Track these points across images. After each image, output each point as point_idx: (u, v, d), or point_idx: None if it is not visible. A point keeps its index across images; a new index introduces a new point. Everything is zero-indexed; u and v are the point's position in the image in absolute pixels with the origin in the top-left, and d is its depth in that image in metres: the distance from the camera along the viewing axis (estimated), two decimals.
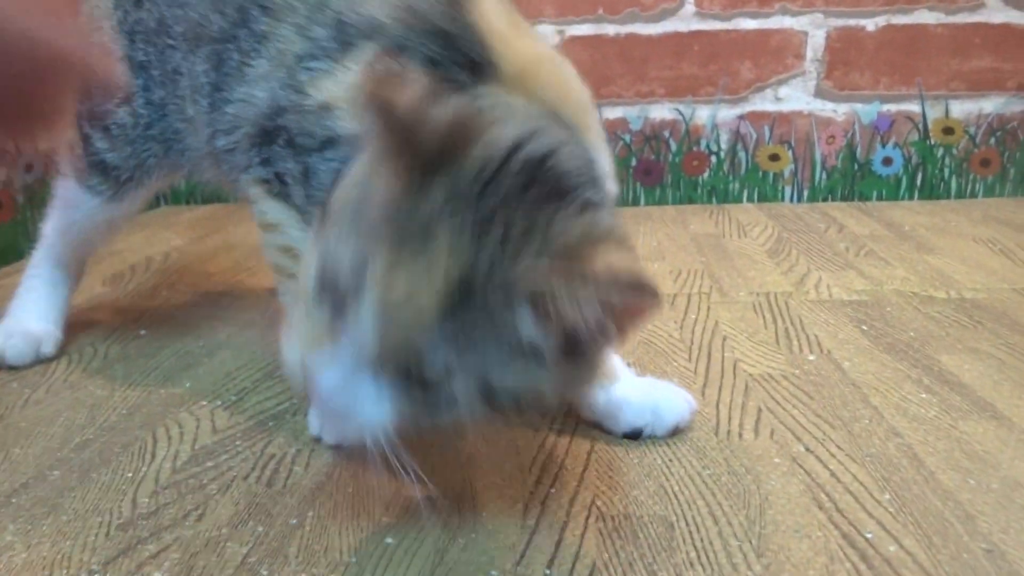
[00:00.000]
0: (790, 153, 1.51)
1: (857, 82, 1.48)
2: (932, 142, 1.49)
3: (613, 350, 0.60)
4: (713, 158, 1.52)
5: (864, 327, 0.86)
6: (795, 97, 1.49)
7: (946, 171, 1.50)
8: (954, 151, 1.49)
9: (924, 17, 1.44)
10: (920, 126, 1.49)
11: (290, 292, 0.61)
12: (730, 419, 0.66)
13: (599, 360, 0.48)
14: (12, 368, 0.81)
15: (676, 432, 0.64)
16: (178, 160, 0.79)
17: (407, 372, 0.44)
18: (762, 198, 1.53)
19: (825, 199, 1.53)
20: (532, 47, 0.58)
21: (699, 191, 1.54)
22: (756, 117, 1.50)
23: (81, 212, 0.83)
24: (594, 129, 0.57)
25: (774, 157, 1.52)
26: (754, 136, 1.51)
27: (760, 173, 1.52)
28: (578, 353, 0.44)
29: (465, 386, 0.44)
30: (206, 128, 0.72)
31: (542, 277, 0.42)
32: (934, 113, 1.48)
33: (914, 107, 1.48)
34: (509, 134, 0.45)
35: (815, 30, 1.46)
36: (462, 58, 0.55)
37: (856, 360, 0.77)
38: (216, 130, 0.70)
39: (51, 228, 0.87)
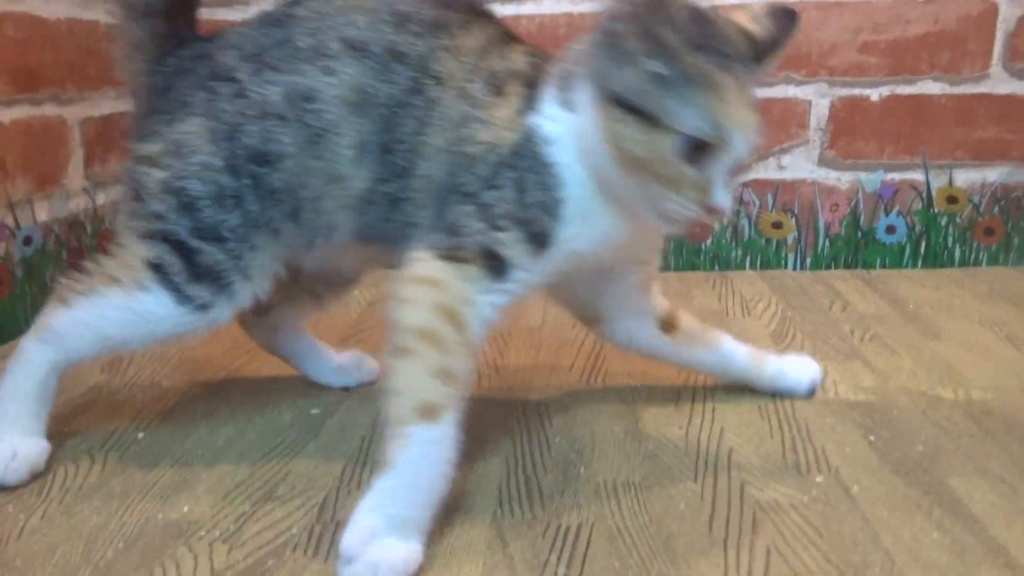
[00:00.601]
0: (793, 221, 1.51)
1: (861, 151, 1.47)
2: (936, 211, 1.49)
3: None
4: (716, 225, 1.51)
5: (872, 437, 0.85)
6: (799, 165, 1.49)
7: (950, 239, 1.50)
8: (958, 220, 1.49)
9: (928, 87, 1.44)
10: (924, 195, 1.48)
11: (428, 360, 0.67)
12: (738, 564, 0.65)
13: None
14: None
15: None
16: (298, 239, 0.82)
17: None
18: (765, 265, 1.53)
19: (828, 267, 1.52)
20: None
21: (702, 258, 1.53)
22: (759, 185, 1.50)
23: (156, 326, 0.80)
24: None
25: (777, 225, 1.51)
26: (757, 203, 1.50)
27: (763, 241, 1.52)
28: None
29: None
30: (361, 201, 0.78)
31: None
32: (938, 182, 1.48)
33: (918, 176, 1.48)
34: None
35: (819, 99, 1.46)
36: None
37: (865, 482, 0.76)
38: (378, 202, 0.78)
39: (80, 332, 0.80)
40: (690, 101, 0.66)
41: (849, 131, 1.47)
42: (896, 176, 1.48)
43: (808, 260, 1.52)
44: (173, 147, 0.79)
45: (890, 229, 1.50)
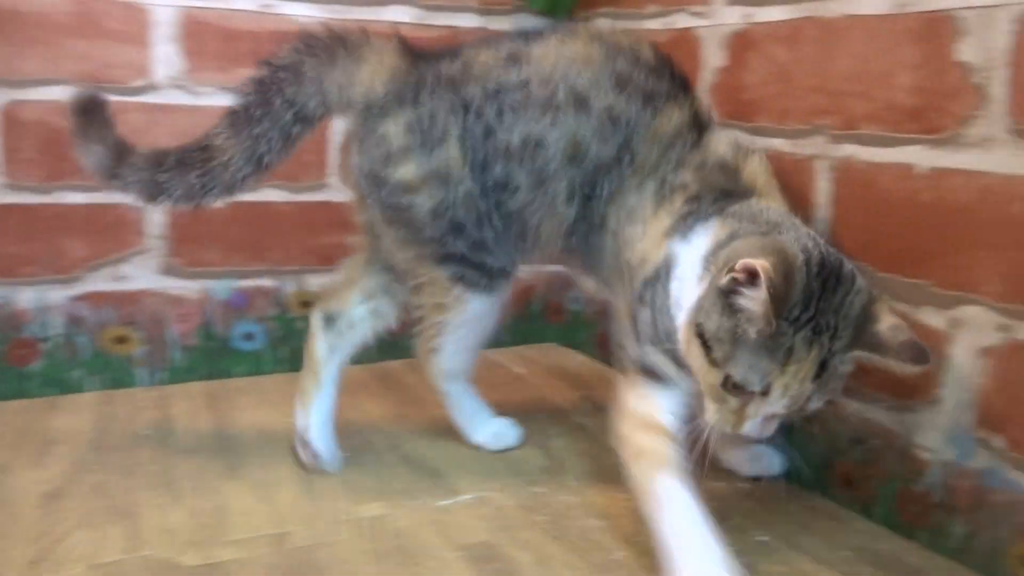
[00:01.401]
0: (140, 334, 1.38)
1: (208, 259, 1.41)
2: (292, 315, 1.48)
3: None
4: (44, 345, 1.32)
5: None
6: (140, 275, 1.37)
7: None
8: None
9: (270, 195, 1.43)
10: (278, 300, 1.47)
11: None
12: None
13: None
14: None
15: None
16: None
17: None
18: (116, 383, 1.38)
19: (187, 379, 1.42)
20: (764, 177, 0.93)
21: (34, 381, 1.33)
22: (96, 298, 1.35)
23: (489, 315, 1.05)
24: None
25: (121, 339, 1.37)
26: (94, 318, 1.35)
27: (106, 357, 1.37)
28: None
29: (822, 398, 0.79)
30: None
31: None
32: (291, 287, 1.47)
33: (269, 282, 1.46)
34: (801, 260, 0.76)
35: (151, 214, 1.36)
36: (739, 192, 0.89)
37: None
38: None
39: (455, 356, 1.09)
40: (751, 361, 0.75)
41: (192, 239, 1.39)
42: (247, 283, 1.44)
43: (162, 374, 1.41)
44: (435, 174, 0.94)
45: (248, 336, 1.46)
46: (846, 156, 1.01)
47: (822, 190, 1.04)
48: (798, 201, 0.98)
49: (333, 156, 1.45)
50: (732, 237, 0.82)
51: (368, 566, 0.88)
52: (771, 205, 0.88)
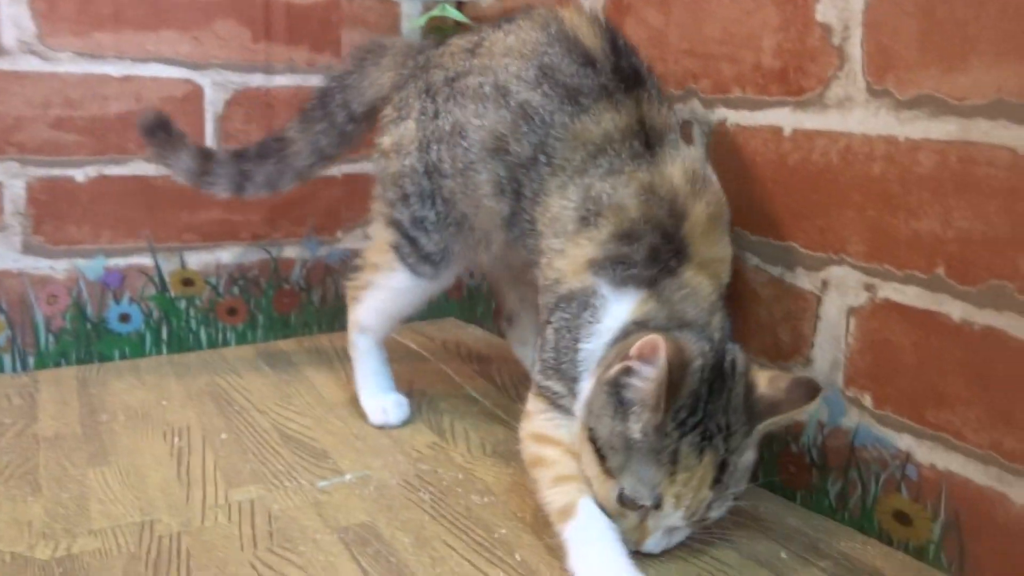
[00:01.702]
0: (2, 318, 1.30)
1: (75, 236, 1.33)
2: (172, 294, 1.42)
3: None
4: None
5: None
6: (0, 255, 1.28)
7: (192, 322, 1.44)
8: (198, 302, 1.44)
9: (142, 168, 1.35)
10: (156, 279, 1.40)
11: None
12: None
13: None
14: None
15: None
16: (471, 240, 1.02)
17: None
18: None
19: (58, 364, 1.34)
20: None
21: None
22: None
23: (411, 294, 1.08)
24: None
25: None
26: None
27: None
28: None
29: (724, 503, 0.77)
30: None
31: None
32: (170, 265, 1.40)
33: (146, 260, 1.39)
34: (698, 364, 0.73)
35: (11, 180, 1.27)
36: (674, 249, 0.80)
37: None
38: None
39: (372, 313, 1.11)
40: (641, 471, 0.72)
41: (56, 215, 1.31)
42: (121, 262, 1.37)
43: (31, 360, 1.33)
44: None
45: (124, 317, 1.38)
46: (719, 120, 1.01)
47: None
48: None
49: (210, 127, 1.39)
50: (640, 327, 0.77)
51: (238, 552, 0.85)
52: (698, 288, 0.80)
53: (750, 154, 0.97)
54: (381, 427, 1.14)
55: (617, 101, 0.83)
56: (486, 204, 0.95)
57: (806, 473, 0.95)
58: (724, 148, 1.00)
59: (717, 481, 0.74)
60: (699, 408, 0.72)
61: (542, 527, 0.85)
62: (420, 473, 1.02)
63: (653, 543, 0.78)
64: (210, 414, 1.18)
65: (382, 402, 1.15)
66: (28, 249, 1.29)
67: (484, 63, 0.93)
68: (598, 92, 0.83)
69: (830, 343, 0.91)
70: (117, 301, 1.37)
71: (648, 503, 0.74)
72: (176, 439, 1.10)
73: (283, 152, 1.18)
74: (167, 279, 1.40)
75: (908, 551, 0.86)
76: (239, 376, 1.33)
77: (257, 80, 1.40)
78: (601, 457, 0.75)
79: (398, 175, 1.03)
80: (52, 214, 1.30)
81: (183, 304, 1.42)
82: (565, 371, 0.82)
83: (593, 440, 0.76)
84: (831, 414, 0.92)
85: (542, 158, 0.85)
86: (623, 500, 0.75)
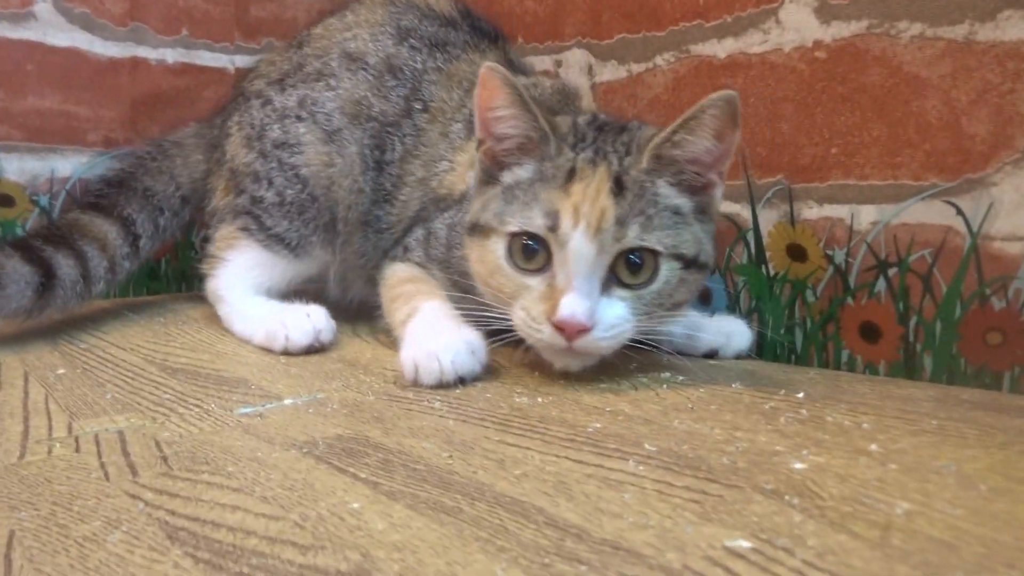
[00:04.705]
0: None
1: None
2: None
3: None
4: None
5: None
6: None
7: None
8: (19, 230, 0.97)
9: None
10: None
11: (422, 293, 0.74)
12: None
13: (716, 212, 0.68)
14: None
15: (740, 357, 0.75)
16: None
17: (621, 270, 0.62)
18: None
19: None
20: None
21: None
22: None
23: (268, 269, 0.88)
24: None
25: None
26: None
27: None
28: (706, 212, 0.66)
29: (663, 259, 0.62)
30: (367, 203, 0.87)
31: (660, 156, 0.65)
32: None
33: None
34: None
35: None
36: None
37: None
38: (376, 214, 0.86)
39: (233, 286, 0.88)
40: (532, 202, 0.65)
41: None
42: None
43: None
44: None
45: None
46: None
47: None
48: None
49: None
50: None
51: (101, 484, 0.42)
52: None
53: None
54: (314, 341, 0.77)
55: (484, 50, 0.89)
56: (356, 181, 0.86)
57: None
58: None
59: (616, 194, 0.63)
60: (587, 138, 0.68)
61: None
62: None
63: (567, 306, 0.61)
64: (38, 352, 0.74)
65: (297, 316, 0.81)
66: None
67: (320, 45, 0.89)
68: (464, 45, 0.88)
69: None
70: None
71: (542, 224, 0.63)
72: None
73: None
74: None
75: None
76: (90, 320, 0.89)
77: None
78: (483, 232, 0.67)
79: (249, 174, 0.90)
80: None
81: None
82: (454, 264, 0.76)
83: (475, 224, 0.69)
84: None
85: (417, 105, 0.84)
86: (518, 252, 0.64)
